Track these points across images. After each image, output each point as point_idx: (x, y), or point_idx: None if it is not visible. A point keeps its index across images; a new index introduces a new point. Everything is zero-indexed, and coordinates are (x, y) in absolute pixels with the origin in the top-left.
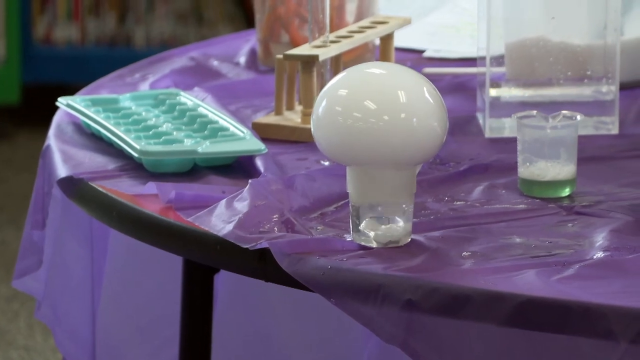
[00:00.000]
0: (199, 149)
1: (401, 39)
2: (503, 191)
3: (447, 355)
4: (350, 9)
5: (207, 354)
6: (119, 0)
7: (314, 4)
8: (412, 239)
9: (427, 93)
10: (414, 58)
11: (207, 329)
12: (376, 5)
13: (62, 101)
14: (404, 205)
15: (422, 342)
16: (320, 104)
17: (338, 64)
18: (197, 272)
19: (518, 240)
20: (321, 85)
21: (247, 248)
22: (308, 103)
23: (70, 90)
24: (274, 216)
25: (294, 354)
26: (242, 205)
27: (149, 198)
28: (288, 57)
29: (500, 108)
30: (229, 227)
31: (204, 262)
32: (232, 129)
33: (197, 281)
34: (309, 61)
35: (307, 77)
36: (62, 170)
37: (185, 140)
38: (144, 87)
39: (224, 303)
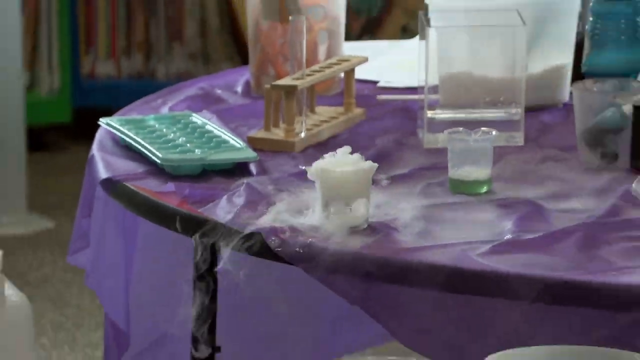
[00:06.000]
0: (207, 157)
1: (360, 73)
2: (438, 189)
3: (398, 315)
4: (322, 50)
5: (214, 312)
6: (145, 44)
7: (294, 46)
8: (369, 224)
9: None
10: (370, 87)
11: (213, 295)
12: (341, 48)
13: (103, 121)
14: (363, 198)
15: (378, 305)
16: None
17: (312, 92)
18: (205, 252)
19: (449, 225)
20: (300, 108)
21: (242, 231)
22: (290, 122)
23: (109, 113)
24: (264, 208)
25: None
26: (239, 200)
27: (169, 195)
28: (274, 87)
29: (435, 126)
30: (229, 216)
31: (211, 243)
32: (231, 141)
33: (204, 260)
34: (290, 90)
35: (289, 102)
36: (103, 174)
37: (196, 150)
38: (164, 110)
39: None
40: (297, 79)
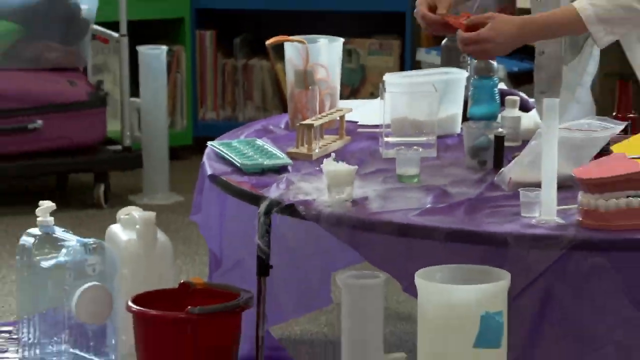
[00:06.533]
0: (265, 162)
1: (348, 117)
2: (391, 179)
3: (369, 248)
4: (327, 104)
5: (268, 246)
6: (232, 102)
7: (312, 103)
8: (353, 199)
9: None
10: (354, 125)
11: (268, 238)
12: (337, 103)
13: (209, 143)
14: (349, 185)
15: (358, 243)
16: None
17: (322, 127)
18: (263, 214)
19: (396, 199)
20: (315, 136)
21: (284, 203)
22: (309, 143)
23: (212, 139)
24: (298, 191)
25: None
26: (282, 186)
27: (244, 183)
28: (301, 125)
29: (389, 146)
30: (277, 194)
31: (269, 211)
32: (278, 154)
33: (263, 219)
34: (309, 126)
35: (309, 133)
36: (209, 171)
37: (259, 159)
38: (242, 137)
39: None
40: (314, 120)
